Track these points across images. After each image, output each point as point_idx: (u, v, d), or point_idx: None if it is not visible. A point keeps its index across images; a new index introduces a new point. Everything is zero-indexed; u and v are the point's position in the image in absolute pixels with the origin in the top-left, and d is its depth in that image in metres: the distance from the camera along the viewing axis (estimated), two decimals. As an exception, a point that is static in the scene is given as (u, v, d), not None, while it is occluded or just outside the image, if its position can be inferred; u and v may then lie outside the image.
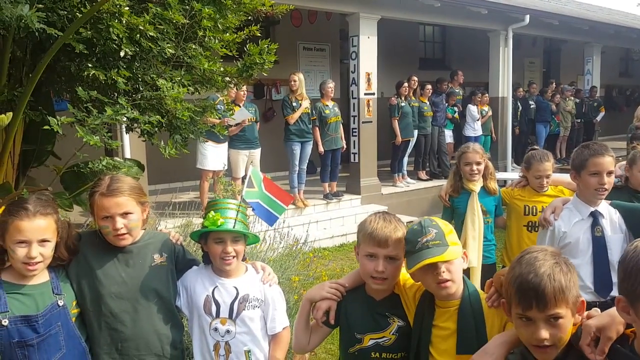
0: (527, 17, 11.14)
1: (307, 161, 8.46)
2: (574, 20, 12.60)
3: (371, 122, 9.41)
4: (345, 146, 8.89)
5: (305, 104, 8.11)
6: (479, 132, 11.06)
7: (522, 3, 11.28)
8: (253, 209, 2.48)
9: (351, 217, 8.67)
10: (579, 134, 13.39)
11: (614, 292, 2.57)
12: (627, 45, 15.72)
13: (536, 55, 16.38)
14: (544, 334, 1.46)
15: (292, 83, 8.06)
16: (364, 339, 2.03)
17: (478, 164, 3.89)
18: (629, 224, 2.72)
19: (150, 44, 2.68)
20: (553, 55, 17.07)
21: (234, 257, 2.25)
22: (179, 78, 2.83)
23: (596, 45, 14.11)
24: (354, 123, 9.35)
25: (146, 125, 2.74)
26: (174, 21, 2.70)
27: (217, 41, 2.93)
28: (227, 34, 3.02)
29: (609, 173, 2.67)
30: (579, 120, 13.22)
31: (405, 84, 9.67)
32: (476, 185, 3.91)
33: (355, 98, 9.27)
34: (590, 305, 2.34)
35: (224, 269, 2.29)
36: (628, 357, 1.38)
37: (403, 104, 9.59)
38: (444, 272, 1.82)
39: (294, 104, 8.01)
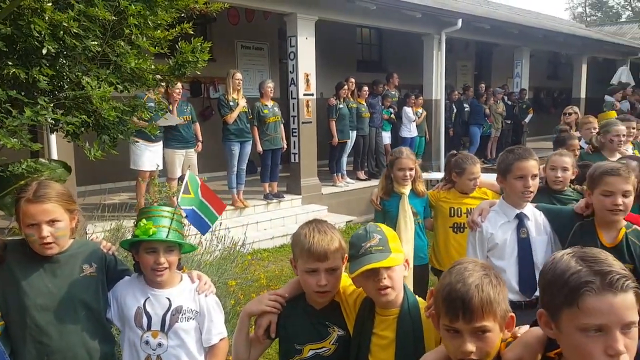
0: (460, 21, 11.45)
1: (247, 161, 8.36)
2: (504, 25, 13.08)
3: (311, 122, 9.43)
4: (285, 146, 8.86)
5: (242, 102, 8.01)
6: (415, 133, 11.32)
7: (455, 7, 11.62)
8: (187, 217, 2.41)
9: (292, 218, 8.67)
10: (509, 135, 13.94)
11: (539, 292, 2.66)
12: (554, 49, 16.49)
13: (468, 58, 16.92)
14: (470, 347, 1.42)
15: (237, 82, 7.94)
16: (303, 350, 2.00)
17: (411, 169, 3.98)
18: (554, 227, 2.82)
19: (74, 41, 2.55)
20: (484, 58, 17.69)
21: (166, 268, 2.18)
22: (105, 76, 2.71)
23: (525, 49, 14.71)
24: (293, 123, 9.34)
25: (69, 126, 2.60)
26: (100, 18, 2.58)
27: (146, 39, 2.83)
28: (159, 31, 2.92)
29: (534, 176, 2.77)
30: (508, 122, 13.76)
31: (345, 86, 9.76)
32: (406, 188, 4.00)
33: (295, 98, 9.26)
34: (515, 305, 2.43)
35: (155, 281, 2.22)
36: None
37: (341, 106, 9.67)
38: (384, 278, 1.82)
39: (231, 103, 7.89)
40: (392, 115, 11.09)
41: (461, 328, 1.45)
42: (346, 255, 1.99)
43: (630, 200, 2.53)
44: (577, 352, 1.25)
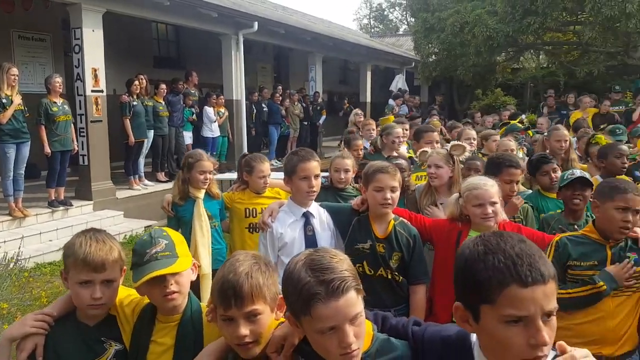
0: (256, 24, 11.70)
1: (25, 165, 7.45)
2: (298, 30, 13.72)
3: (101, 121, 8.78)
4: (77, 148, 8.13)
5: (18, 100, 7.11)
6: (217, 133, 11.29)
7: (251, 10, 11.85)
8: None
9: (82, 226, 7.94)
10: (307, 136, 14.71)
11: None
12: (344, 56, 17.81)
13: (268, 60, 17.41)
14: (244, 330, 1.52)
15: (12, 77, 7.01)
16: None
17: (210, 172, 3.96)
18: (336, 223, 3.03)
19: None
20: (282, 61, 18.38)
21: None
22: None
23: (318, 55, 15.62)
24: (81, 122, 8.60)
25: None
26: None
27: None
28: None
29: (316, 176, 2.94)
30: (305, 123, 14.49)
31: (136, 82, 9.30)
32: (201, 192, 3.96)
33: (82, 95, 8.54)
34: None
35: None
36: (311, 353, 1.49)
37: (135, 103, 9.20)
38: (172, 284, 1.78)
39: (4, 100, 6.96)
40: (194, 116, 10.90)
41: (234, 315, 1.53)
42: (125, 267, 1.91)
43: (396, 195, 2.84)
44: (318, 348, 1.42)
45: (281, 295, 1.61)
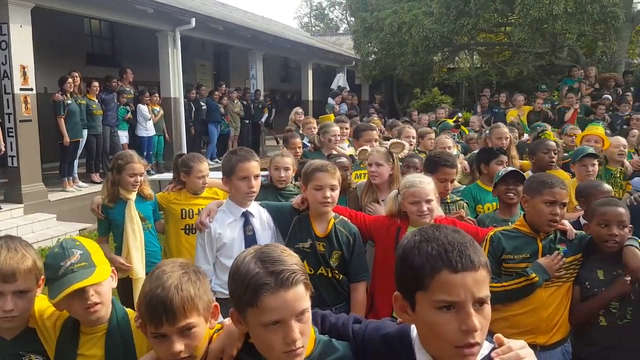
0: (194, 20, 11.47)
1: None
2: (237, 28, 13.56)
3: (31, 120, 8.36)
4: (3, 149, 7.70)
5: None
6: (152, 132, 11.00)
7: (188, 6, 11.61)
8: None
9: (12, 231, 7.49)
10: (249, 134, 14.56)
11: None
12: (284, 54, 17.76)
13: (207, 58, 17.13)
14: (179, 347, 1.45)
15: None
16: None
17: (141, 174, 3.85)
18: (276, 222, 3.01)
19: None
20: (222, 59, 18.13)
21: None
22: None
23: (258, 52, 15.50)
24: (9, 122, 8.17)
25: None
26: None
27: None
28: None
29: (256, 177, 2.90)
30: (247, 121, 14.35)
31: (70, 80, 8.91)
32: (132, 194, 3.84)
33: (9, 94, 8.10)
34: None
35: None
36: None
37: (69, 102, 8.83)
38: (92, 295, 1.69)
39: None
40: (129, 115, 10.56)
41: (167, 331, 1.46)
42: (43, 276, 1.80)
43: (336, 194, 2.85)
44: (261, 344, 1.38)
45: (215, 303, 1.57)
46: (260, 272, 1.34)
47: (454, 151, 5.60)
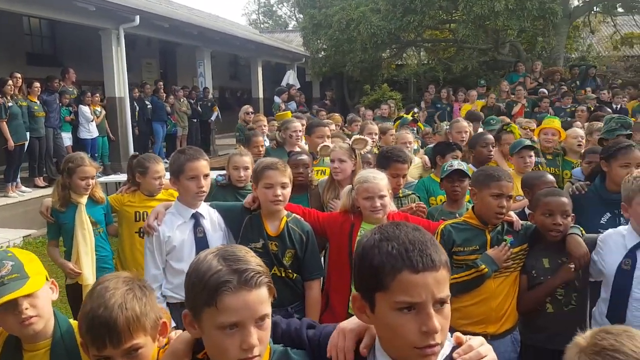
0: (138, 18, 11.19)
1: None
2: (183, 25, 13.29)
3: (-34, 124, 7.95)
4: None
5: None
6: (95, 134, 10.68)
7: (132, 3, 11.30)
8: None
9: (-53, 240, 7.18)
10: (197, 133, 14.31)
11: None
12: (233, 51, 17.53)
13: (153, 56, 16.73)
14: None
15: None
16: None
17: (93, 177, 3.73)
18: (227, 222, 2.96)
19: None
20: (169, 57, 17.74)
21: None
22: None
23: (206, 50, 15.24)
24: (-58, 126, 7.73)
25: None
26: None
27: None
28: None
29: (205, 176, 2.83)
30: (195, 120, 14.10)
31: (11, 82, 8.52)
32: (83, 197, 3.70)
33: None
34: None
35: None
36: None
37: (10, 104, 8.46)
38: (26, 308, 1.60)
39: None
40: (72, 116, 10.19)
41: (111, 354, 1.37)
42: None
43: (288, 192, 2.82)
44: (215, 349, 1.29)
45: (163, 320, 1.49)
46: (222, 270, 1.26)
47: (415, 146, 5.69)
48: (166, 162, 3.69)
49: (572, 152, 5.05)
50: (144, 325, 1.40)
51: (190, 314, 1.33)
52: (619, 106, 11.01)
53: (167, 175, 3.78)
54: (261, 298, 1.28)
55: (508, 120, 6.92)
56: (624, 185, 2.64)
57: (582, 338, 1.22)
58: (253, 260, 1.32)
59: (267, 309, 1.31)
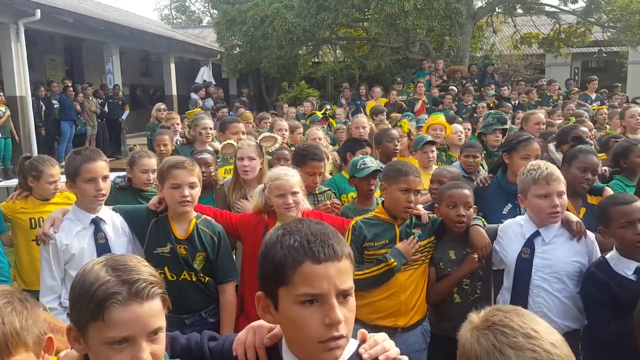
0: (38, 12, 10.63)
1: None
2: (89, 19, 12.70)
3: None
4: None
5: None
6: (-2, 135, 9.95)
7: (32, -4, 10.61)
8: None
9: None
10: (105, 132, 13.67)
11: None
12: (144, 47, 16.88)
13: (57, 52, 15.83)
14: None
15: None
16: None
17: None
18: (131, 226, 2.81)
19: None
20: (75, 53, 16.84)
21: None
22: None
23: (114, 46, 14.61)
24: None
25: None
26: None
27: None
28: None
29: (104, 178, 2.68)
30: (100, 120, 13.46)
31: None
32: None
33: None
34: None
35: None
36: None
37: None
38: None
39: None
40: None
41: None
42: None
43: (196, 192, 2.72)
44: None
45: (48, 335, 1.38)
46: (111, 280, 1.19)
47: (325, 142, 5.72)
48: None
49: (454, 146, 5.36)
50: (25, 341, 1.29)
51: (75, 328, 1.24)
52: (517, 102, 11.81)
53: (63, 178, 3.58)
54: (153, 311, 1.22)
55: (399, 115, 7.20)
56: (519, 177, 2.78)
57: (475, 316, 1.25)
58: (145, 270, 1.25)
59: (161, 322, 1.24)
